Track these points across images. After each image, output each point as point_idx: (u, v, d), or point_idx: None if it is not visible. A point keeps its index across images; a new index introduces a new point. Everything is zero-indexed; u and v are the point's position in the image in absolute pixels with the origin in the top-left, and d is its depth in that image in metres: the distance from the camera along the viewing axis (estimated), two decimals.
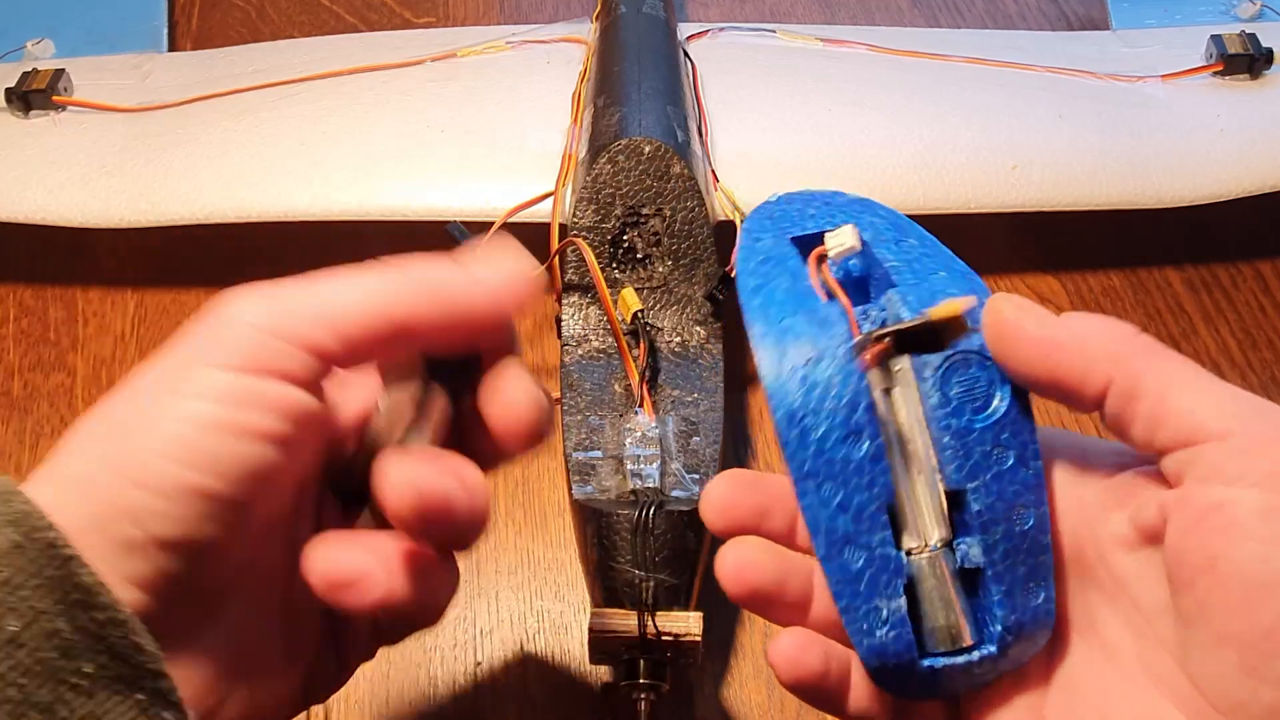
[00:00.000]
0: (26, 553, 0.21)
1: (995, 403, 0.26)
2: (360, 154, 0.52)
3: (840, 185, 0.50)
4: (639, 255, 0.46)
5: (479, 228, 0.47)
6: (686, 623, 0.37)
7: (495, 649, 0.44)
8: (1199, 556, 0.23)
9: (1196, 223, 0.55)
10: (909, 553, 0.27)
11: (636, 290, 0.46)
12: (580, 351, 0.45)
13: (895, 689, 0.27)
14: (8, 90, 0.56)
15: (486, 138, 0.53)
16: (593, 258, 0.45)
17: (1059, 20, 0.70)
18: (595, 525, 0.38)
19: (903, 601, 0.26)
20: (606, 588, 0.38)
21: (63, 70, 0.57)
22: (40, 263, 0.58)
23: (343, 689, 0.43)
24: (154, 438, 0.23)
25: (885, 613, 0.26)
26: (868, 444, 0.26)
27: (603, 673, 0.43)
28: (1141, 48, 0.60)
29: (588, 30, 0.60)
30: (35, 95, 0.56)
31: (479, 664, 0.44)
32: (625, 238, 0.46)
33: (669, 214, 0.46)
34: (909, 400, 0.27)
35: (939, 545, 0.27)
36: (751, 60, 0.58)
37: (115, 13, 0.64)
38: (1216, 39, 0.57)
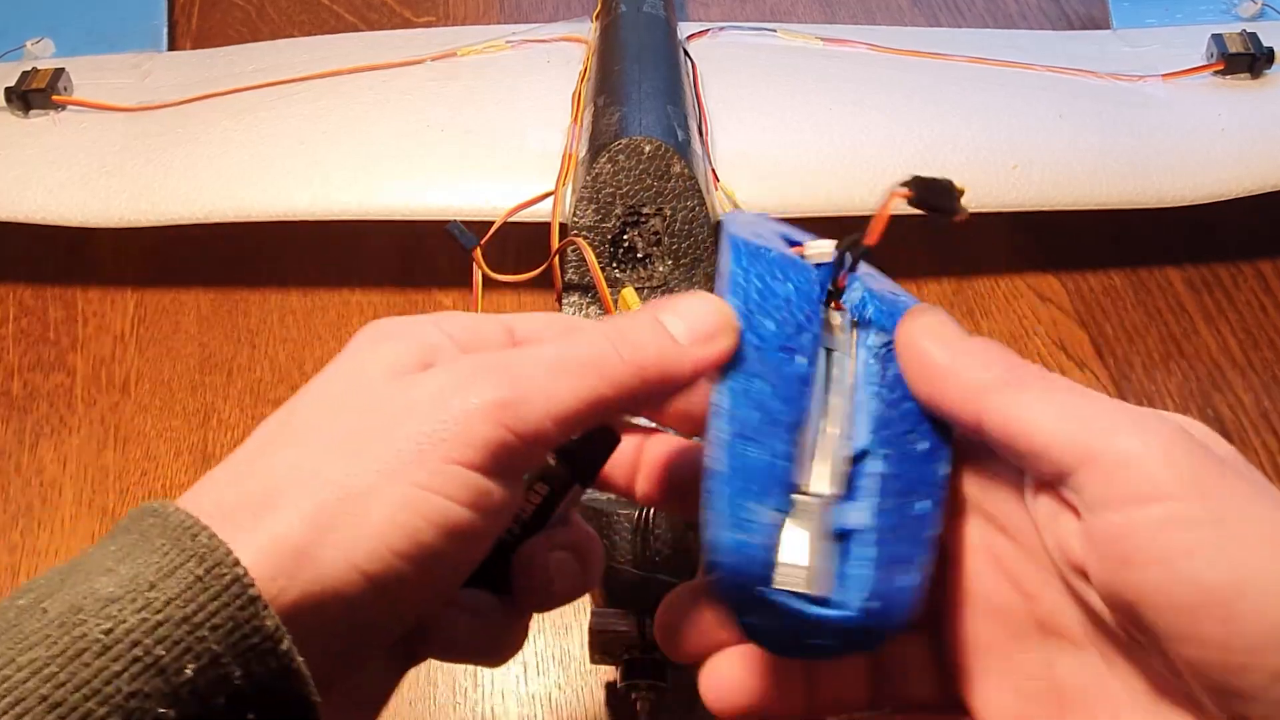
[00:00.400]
0: (208, 588, 0.20)
1: None
2: (360, 153, 0.52)
3: (841, 184, 0.51)
4: (639, 255, 0.46)
5: (479, 227, 0.46)
6: None
7: None
8: (1137, 592, 0.21)
9: (1197, 222, 0.55)
10: (798, 489, 0.26)
11: (637, 290, 0.46)
12: None
13: (729, 598, 0.25)
14: (7, 90, 0.56)
15: (487, 137, 0.53)
16: (593, 257, 0.45)
17: (1059, 20, 0.70)
18: (595, 525, 0.38)
19: (780, 518, 0.25)
20: (607, 588, 0.38)
21: (62, 70, 0.57)
22: (40, 262, 0.58)
23: None
24: (388, 527, 0.22)
25: (756, 517, 0.25)
26: (802, 365, 0.26)
27: (603, 673, 0.43)
28: (1142, 47, 0.60)
29: (588, 29, 0.60)
30: (35, 95, 0.56)
31: None
32: (625, 237, 0.46)
33: (669, 213, 0.46)
34: (848, 361, 0.27)
35: (828, 496, 0.26)
36: (752, 59, 0.58)
37: (115, 12, 0.64)
38: (1217, 38, 0.57)
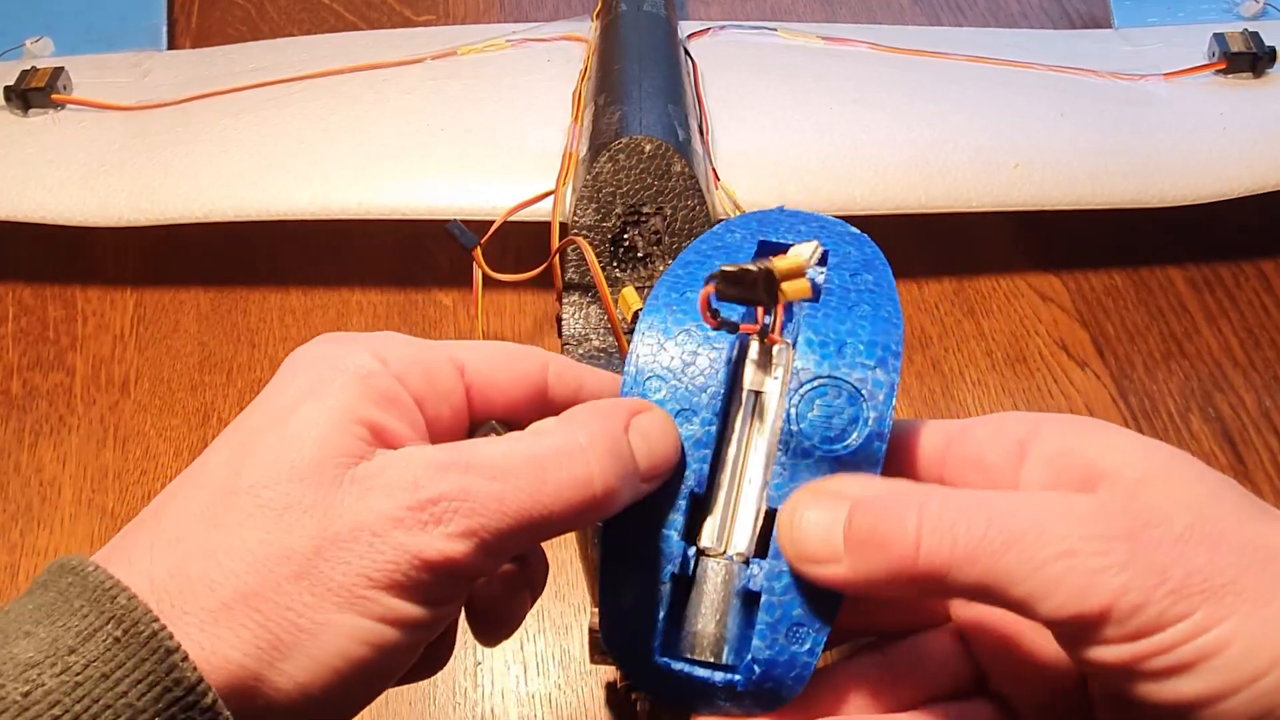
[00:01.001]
0: (127, 647, 0.20)
1: (848, 440, 0.25)
2: (360, 152, 0.52)
3: (841, 184, 0.51)
4: (640, 254, 0.46)
5: (479, 226, 0.46)
6: None
7: (495, 649, 0.44)
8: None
9: (1199, 222, 0.55)
10: (702, 551, 0.26)
11: (637, 289, 0.46)
12: (581, 351, 0.45)
13: (624, 666, 0.26)
14: (7, 88, 0.56)
15: (487, 136, 0.53)
16: (593, 256, 0.45)
17: (1061, 18, 0.70)
18: (596, 525, 0.38)
19: (663, 587, 0.25)
20: None
21: (62, 68, 0.57)
22: (39, 261, 0.58)
23: None
24: (335, 657, 0.22)
25: (641, 590, 0.25)
26: (698, 427, 0.26)
27: (604, 673, 0.43)
28: (1144, 46, 0.60)
29: (588, 28, 0.60)
30: (34, 93, 0.56)
31: (479, 664, 0.44)
32: (626, 236, 0.46)
33: (670, 212, 0.46)
34: (769, 408, 0.26)
35: (735, 557, 0.26)
36: (752, 58, 0.58)
37: (114, 11, 0.64)
38: (1219, 37, 0.57)
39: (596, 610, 0.37)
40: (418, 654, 0.24)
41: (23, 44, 0.61)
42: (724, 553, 0.26)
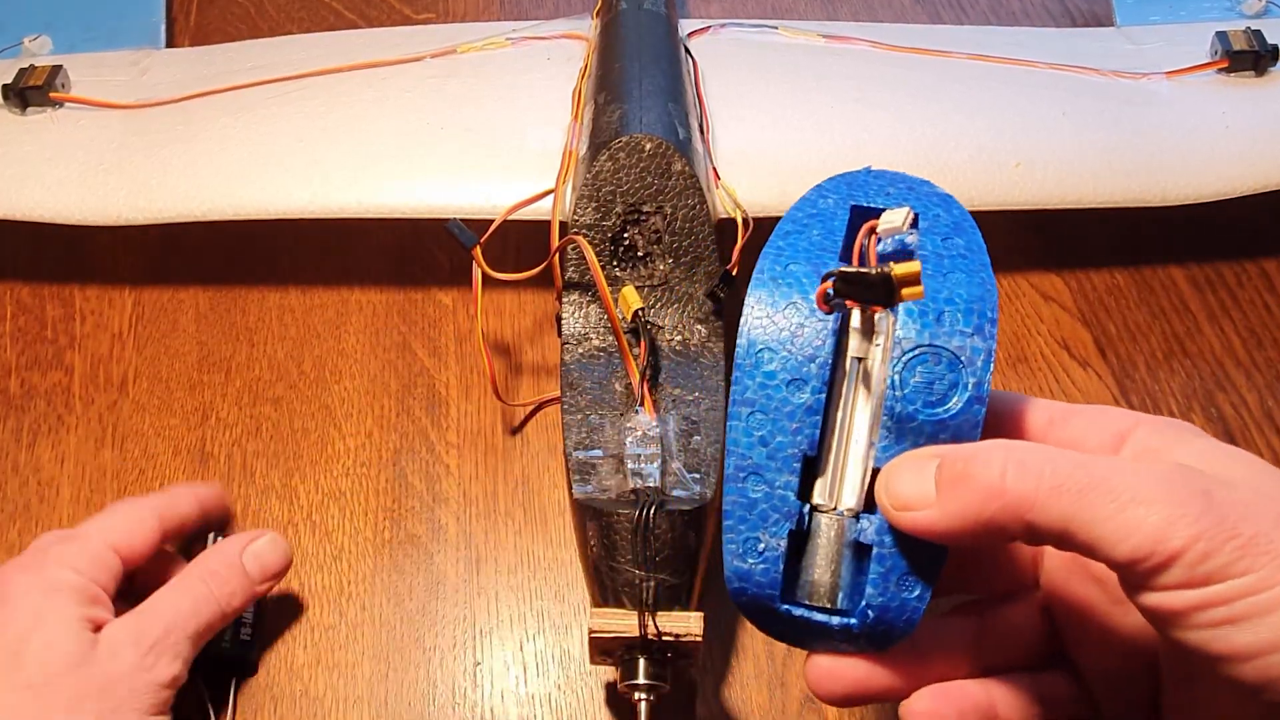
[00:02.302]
0: None
1: (949, 404, 0.27)
2: (359, 151, 0.52)
3: None
4: (640, 253, 0.46)
5: (479, 225, 0.46)
6: (687, 623, 0.36)
7: (495, 649, 0.44)
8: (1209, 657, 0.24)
9: (1201, 221, 0.54)
10: (815, 508, 0.28)
11: (637, 288, 0.45)
12: (581, 350, 0.45)
13: (750, 616, 0.29)
14: (5, 87, 0.56)
15: (487, 135, 0.53)
16: (593, 255, 0.45)
17: (1063, 17, 0.70)
18: (595, 525, 0.38)
19: (783, 543, 0.28)
20: (606, 587, 0.37)
21: (60, 67, 0.57)
22: (37, 260, 0.58)
23: (342, 688, 0.43)
24: None
25: (763, 545, 0.28)
26: (809, 395, 0.28)
27: (603, 673, 0.43)
28: (1146, 44, 0.60)
29: (588, 26, 0.60)
30: (32, 92, 0.55)
31: (478, 664, 0.43)
32: (626, 235, 0.46)
33: (670, 211, 0.46)
34: (872, 375, 0.28)
35: (845, 513, 0.28)
36: (753, 57, 0.58)
37: (113, 9, 0.63)
38: (1221, 35, 0.57)
39: (595, 611, 0.37)
40: None
41: (21, 42, 0.61)
42: (834, 508, 0.28)
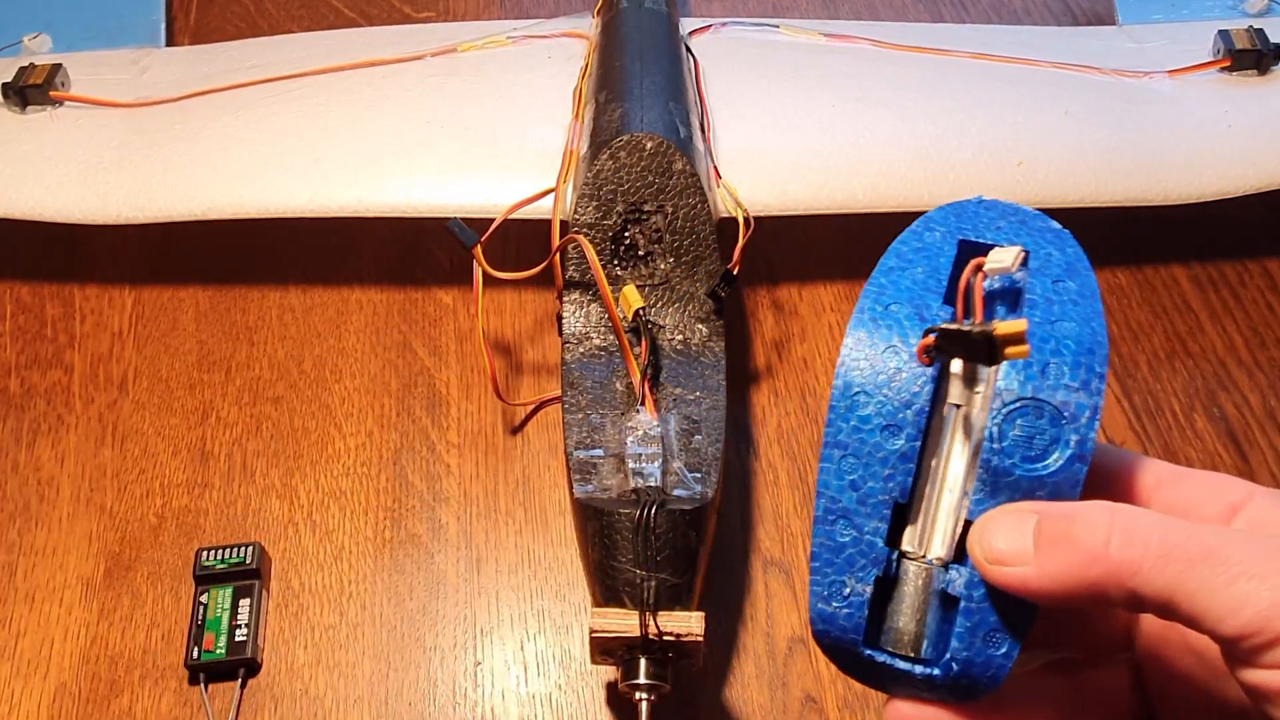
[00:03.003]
0: None
1: (1049, 460, 0.26)
2: (360, 150, 0.52)
3: (844, 182, 0.50)
4: (641, 252, 0.46)
5: (480, 224, 0.46)
6: (688, 622, 0.36)
7: (495, 649, 0.44)
8: None
9: (1203, 220, 0.54)
10: (904, 554, 0.28)
11: (638, 287, 0.45)
12: (581, 349, 0.45)
13: (832, 658, 0.28)
14: (4, 85, 0.56)
15: (487, 134, 0.53)
16: (594, 255, 0.44)
17: (1065, 15, 0.69)
18: (596, 524, 0.38)
19: (869, 589, 0.27)
20: (607, 587, 0.37)
21: (60, 65, 0.57)
22: (37, 259, 0.58)
23: (342, 688, 0.43)
24: None
25: (848, 590, 0.27)
26: (903, 442, 0.27)
27: (604, 673, 0.43)
28: (1148, 43, 0.60)
29: (589, 25, 0.60)
30: (32, 90, 0.55)
31: (478, 664, 0.43)
32: (627, 234, 0.46)
33: (671, 210, 0.46)
34: (970, 424, 0.27)
35: (934, 562, 0.27)
36: (754, 55, 0.58)
37: (113, 7, 0.63)
38: (1224, 34, 0.57)
39: (596, 611, 0.37)
40: None
41: (20, 41, 0.61)
42: (923, 557, 0.28)
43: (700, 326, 0.46)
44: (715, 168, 0.50)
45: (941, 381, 0.27)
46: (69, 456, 0.50)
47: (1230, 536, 0.23)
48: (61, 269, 0.57)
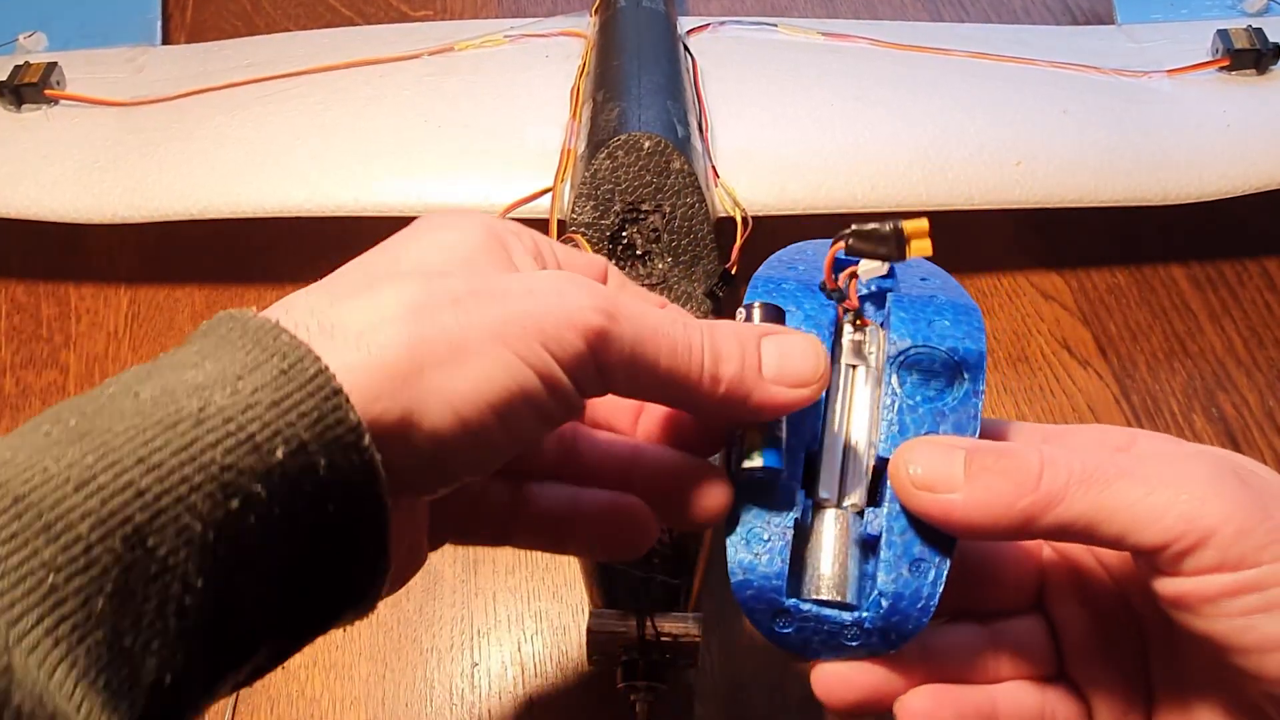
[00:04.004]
0: (294, 379, 0.20)
1: (947, 397, 0.28)
2: (357, 149, 0.52)
3: (843, 181, 0.50)
4: (638, 252, 0.46)
5: None
6: (685, 624, 0.36)
7: (492, 650, 0.44)
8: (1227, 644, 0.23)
9: (1202, 219, 0.54)
10: (818, 504, 0.28)
11: None
12: None
13: (755, 615, 0.27)
14: None
15: (484, 132, 0.52)
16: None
17: (1064, 15, 0.69)
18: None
19: (789, 532, 0.27)
20: (605, 588, 0.37)
21: (55, 64, 0.56)
22: (32, 259, 0.57)
23: (339, 689, 0.43)
24: (485, 381, 0.23)
25: (767, 535, 0.27)
26: None
27: (602, 674, 0.43)
28: (1147, 43, 0.60)
29: (587, 24, 0.60)
30: (27, 89, 0.55)
31: (475, 665, 0.43)
32: (624, 234, 0.46)
33: (669, 210, 0.46)
34: (870, 373, 0.28)
35: (849, 507, 0.28)
36: (753, 55, 0.58)
37: (108, 5, 0.63)
38: (1223, 34, 0.57)
39: (594, 612, 0.37)
40: (539, 435, 0.25)
41: (15, 39, 0.61)
42: (839, 503, 0.28)
43: None
44: (713, 167, 0.50)
45: (836, 346, 0.29)
46: None
47: (1142, 459, 0.24)
48: (57, 268, 0.57)
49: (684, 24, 0.60)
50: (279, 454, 0.20)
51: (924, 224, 0.26)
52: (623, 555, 0.30)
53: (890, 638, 0.27)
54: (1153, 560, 0.24)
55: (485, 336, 0.23)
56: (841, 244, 0.27)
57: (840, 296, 0.29)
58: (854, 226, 0.27)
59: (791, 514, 0.27)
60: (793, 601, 0.27)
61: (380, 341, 0.22)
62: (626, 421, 0.31)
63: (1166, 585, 0.24)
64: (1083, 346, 0.53)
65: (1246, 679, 0.23)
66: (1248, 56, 0.56)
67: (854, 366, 0.29)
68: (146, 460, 0.19)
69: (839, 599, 0.27)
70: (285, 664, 0.44)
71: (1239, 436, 0.49)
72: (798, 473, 0.28)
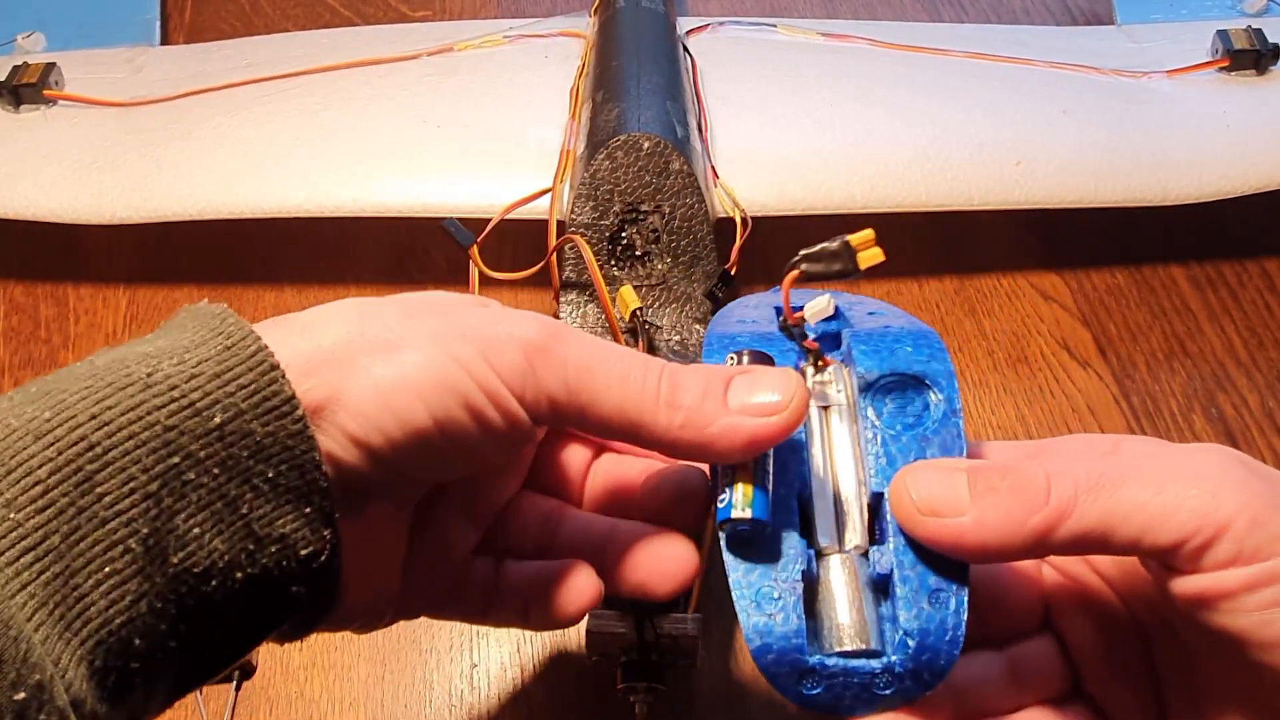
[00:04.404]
0: (236, 355, 0.23)
1: (927, 421, 0.27)
2: (356, 149, 0.52)
3: (842, 181, 0.50)
4: (638, 252, 0.46)
5: (476, 224, 0.46)
6: (685, 624, 0.36)
7: (491, 651, 0.44)
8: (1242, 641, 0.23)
9: (1202, 220, 0.54)
10: (820, 552, 0.27)
11: (635, 288, 0.45)
12: None
13: (779, 680, 0.26)
14: None
15: (483, 133, 0.52)
16: (591, 255, 0.44)
17: (1063, 15, 0.69)
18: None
19: (799, 585, 0.26)
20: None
21: (54, 64, 0.56)
22: (31, 259, 0.57)
23: (338, 690, 0.42)
24: (419, 374, 0.24)
25: (777, 592, 0.26)
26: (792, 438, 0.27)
27: (601, 675, 0.43)
28: (1147, 43, 0.60)
29: (586, 24, 0.60)
30: (26, 89, 0.55)
31: (474, 666, 0.43)
32: (624, 235, 0.46)
33: (668, 211, 0.46)
34: (844, 412, 0.28)
35: (853, 550, 0.27)
36: (752, 55, 0.58)
37: (107, 6, 0.63)
38: (1222, 34, 0.57)
39: (593, 612, 0.37)
40: (478, 455, 0.26)
41: (14, 39, 0.61)
42: (840, 549, 0.27)
43: (697, 327, 0.45)
44: (713, 168, 0.50)
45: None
46: None
47: (1142, 460, 0.24)
48: (55, 269, 0.57)
49: (683, 24, 0.60)
50: (216, 419, 0.22)
51: (869, 233, 0.26)
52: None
53: (924, 678, 0.25)
54: (1169, 559, 0.23)
55: (424, 338, 0.24)
56: (794, 273, 0.27)
57: (801, 335, 0.28)
58: (802, 252, 0.26)
59: (798, 566, 0.26)
60: (817, 659, 0.25)
61: (323, 331, 0.24)
62: (575, 487, 0.31)
63: (1184, 584, 0.23)
64: (1082, 347, 0.53)
65: (1264, 677, 0.23)
66: (1247, 57, 0.56)
67: (825, 408, 0.28)
68: (99, 417, 0.21)
69: (864, 647, 0.25)
70: (285, 665, 0.44)
71: (1238, 437, 0.49)
72: (794, 521, 0.26)
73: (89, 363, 0.22)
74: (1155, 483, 0.23)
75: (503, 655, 0.43)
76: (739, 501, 0.26)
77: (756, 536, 0.26)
